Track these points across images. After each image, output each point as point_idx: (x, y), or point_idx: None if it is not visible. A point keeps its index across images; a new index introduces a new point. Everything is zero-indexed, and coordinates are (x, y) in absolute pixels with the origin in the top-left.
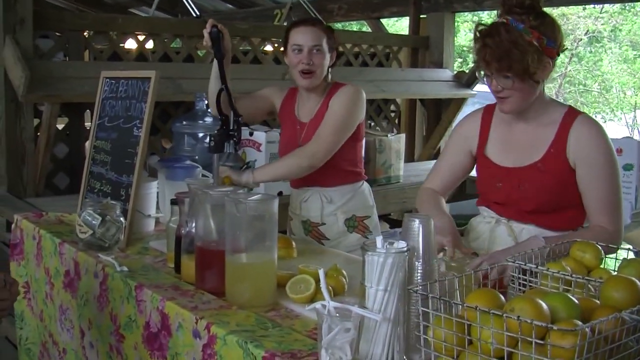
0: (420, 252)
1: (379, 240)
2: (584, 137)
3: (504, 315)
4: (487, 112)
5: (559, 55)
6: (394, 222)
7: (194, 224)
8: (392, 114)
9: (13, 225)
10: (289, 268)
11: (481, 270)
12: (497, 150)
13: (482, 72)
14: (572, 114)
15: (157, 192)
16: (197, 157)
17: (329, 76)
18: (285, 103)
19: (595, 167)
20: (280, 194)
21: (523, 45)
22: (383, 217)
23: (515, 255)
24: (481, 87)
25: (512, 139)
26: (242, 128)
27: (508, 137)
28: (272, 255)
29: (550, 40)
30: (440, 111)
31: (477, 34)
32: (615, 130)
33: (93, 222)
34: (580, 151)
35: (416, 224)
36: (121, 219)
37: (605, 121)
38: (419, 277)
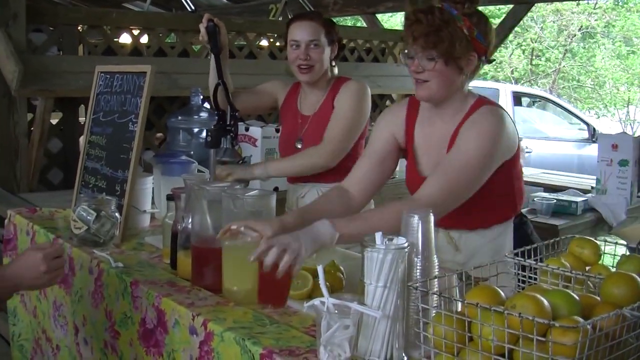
0: (420, 248)
1: (378, 236)
2: (470, 127)
3: (505, 312)
4: (412, 107)
5: (487, 58)
6: None
7: (190, 220)
8: None
9: (6, 221)
10: None
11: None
12: (420, 153)
13: (406, 52)
14: (478, 104)
15: (153, 188)
16: (192, 152)
17: (334, 69)
18: (289, 97)
19: (457, 150)
20: (276, 189)
21: (453, 28)
22: None
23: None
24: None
25: (432, 140)
26: (239, 123)
27: (429, 137)
28: None
29: (480, 35)
30: None
31: (411, 13)
32: (608, 126)
33: (88, 217)
34: (461, 135)
35: (415, 220)
36: (116, 214)
37: (599, 117)
38: (418, 274)
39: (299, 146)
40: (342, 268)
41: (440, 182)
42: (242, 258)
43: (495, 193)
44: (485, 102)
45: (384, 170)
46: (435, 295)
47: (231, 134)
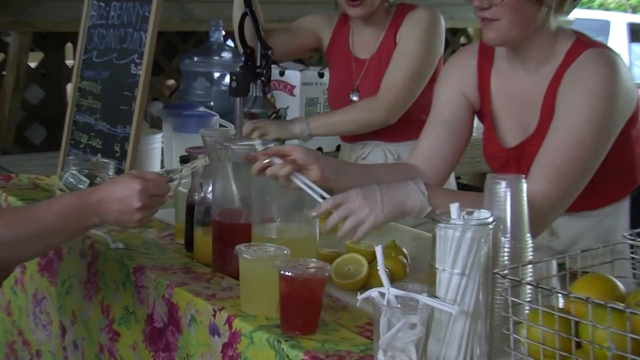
0: (509, 224)
1: (454, 208)
2: (572, 85)
3: (628, 310)
4: (485, 54)
5: None
6: (465, 188)
7: (210, 189)
8: None
9: None
10: (334, 245)
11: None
12: (499, 116)
13: None
14: (577, 48)
15: (162, 148)
16: (212, 102)
17: None
18: (336, 36)
19: (562, 124)
20: (320, 150)
21: None
22: None
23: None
24: (579, 13)
25: (515, 99)
26: (272, 66)
27: (509, 95)
28: (313, 229)
29: None
30: None
31: None
32: None
33: (79, 185)
34: (563, 96)
35: (502, 188)
36: None
37: None
38: (506, 258)
39: (355, 99)
40: (405, 251)
41: (552, 176)
42: (264, 275)
43: (609, 166)
44: (587, 45)
45: (457, 141)
46: (529, 286)
47: (262, 79)
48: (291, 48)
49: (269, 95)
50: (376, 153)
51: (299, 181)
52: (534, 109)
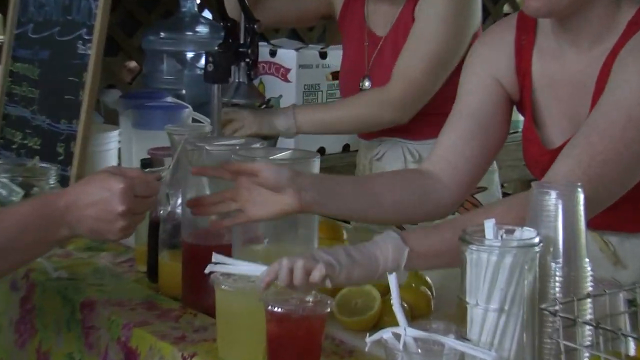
0: (561, 246)
1: (489, 226)
2: (630, 59)
3: None
4: (524, 29)
5: None
6: None
7: (179, 201)
8: None
9: None
10: None
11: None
12: (543, 106)
13: None
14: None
15: (119, 149)
16: (184, 90)
17: None
18: (349, 6)
19: (611, 99)
20: (321, 151)
21: None
22: None
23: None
24: None
25: (563, 84)
26: (260, 43)
27: (556, 80)
28: (310, 250)
29: None
30: None
31: None
32: None
33: (11, 198)
34: (616, 71)
35: (552, 199)
36: None
37: None
38: (558, 289)
39: (368, 85)
40: (428, 280)
41: (583, 155)
42: (247, 312)
43: None
44: None
45: (486, 139)
46: (588, 327)
47: (247, 61)
48: (293, 14)
49: (256, 82)
50: (393, 152)
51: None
52: (585, 97)
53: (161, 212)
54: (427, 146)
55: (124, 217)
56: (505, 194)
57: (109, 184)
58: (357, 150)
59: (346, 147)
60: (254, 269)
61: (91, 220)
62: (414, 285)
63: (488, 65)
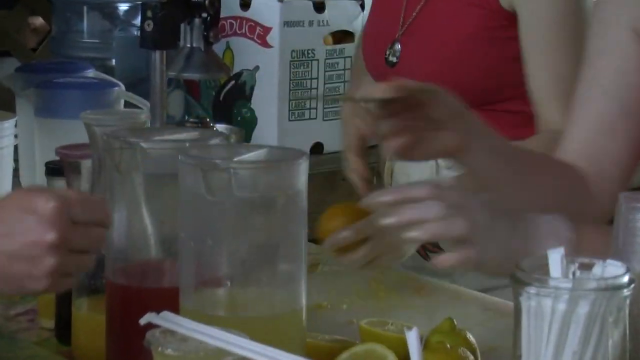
0: None
1: (555, 257)
2: None
3: None
4: None
5: None
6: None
7: None
8: None
9: None
10: (338, 327)
11: None
12: None
13: None
14: None
15: (17, 146)
16: (114, 61)
17: None
18: None
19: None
20: (316, 148)
21: None
22: None
23: None
24: None
25: None
26: None
27: None
28: (296, 298)
29: None
30: None
31: None
32: None
33: None
34: None
35: None
36: None
37: None
38: None
39: (393, 59)
40: (470, 338)
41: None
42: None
43: None
44: None
45: (635, 125)
46: None
47: (204, 16)
48: None
49: (220, 47)
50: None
51: None
52: None
53: None
54: None
55: (56, 251)
56: None
57: (32, 204)
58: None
59: (315, 147)
60: (213, 335)
61: (3, 259)
62: (448, 345)
63: (628, 18)
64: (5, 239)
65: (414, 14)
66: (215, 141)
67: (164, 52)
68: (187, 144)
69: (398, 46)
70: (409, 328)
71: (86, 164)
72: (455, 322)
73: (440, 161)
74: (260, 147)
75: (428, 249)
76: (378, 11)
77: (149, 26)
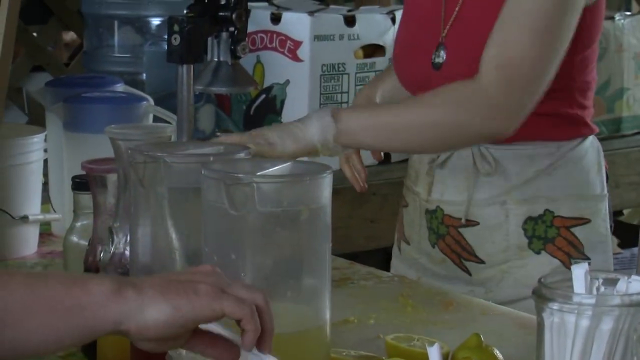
0: None
1: (578, 273)
2: None
3: None
4: None
5: None
6: (629, 230)
7: (125, 239)
8: None
9: None
10: (365, 342)
11: None
12: None
13: None
14: None
15: (46, 160)
16: (144, 75)
17: None
18: None
19: None
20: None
21: None
22: None
23: None
24: None
25: None
26: (254, 3)
27: None
28: (320, 312)
29: None
30: None
31: None
32: None
33: None
34: None
35: None
36: None
37: None
38: None
39: (442, 57)
40: (498, 354)
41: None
42: None
43: None
44: None
45: None
46: None
47: (231, 30)
48: None
49: (251, 61)
50: (461, 158)
51: None
52: None
53: (102, 254)
54: (509, 152)
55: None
56: (619, 226)
57: None
58: (393, 162)
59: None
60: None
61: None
62: (471, 358)
63: None
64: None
65: (455, 13)
66: (240, 155)
67: (191, 66)
68: (211, 158)
69: (442, 52)
70: (431, 343)
71: (112, 178)
72: (483, 338)
73: (480, 167)
74: (284, 161)
75: (463, 256)
76: (412, 21)
77: (176, 40)
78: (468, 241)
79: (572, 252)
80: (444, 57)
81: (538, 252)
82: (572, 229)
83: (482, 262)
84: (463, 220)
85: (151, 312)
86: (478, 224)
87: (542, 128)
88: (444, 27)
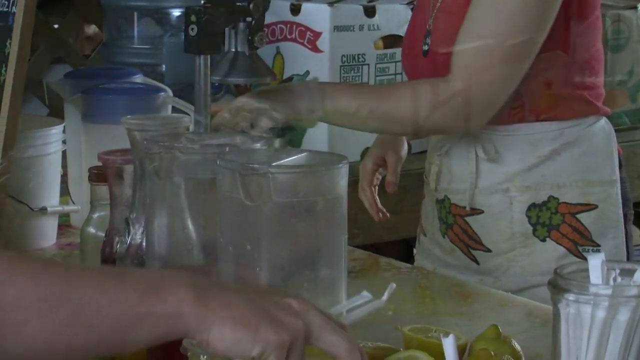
0: None
1: (595, 264)
2: None
3: None
4: None
5: None
6: None
7: (141, 230)
8: None
9: None
10: (383, 333)
11: None
12: None
13: None
14: None
15: (64, 151)
16: (164, 66)
17: None
18: None
19: None
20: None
21: None
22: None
23: None
24: None
25: None
26: None
27: None
28: (337, 304)
29: None
30: None
31: None
32: None
33: None
34: None
35: None
36: None
37: None
38: None
39: (425, 48)
40: (516, 345)
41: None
42: None
43: None
44: None
45: None
46: None
47: (248, 20)
48: None
49: (271, 52)
50: (461, 147)
51: None
52: None
53: (117, 245)
54: (509, 137)
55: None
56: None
57: None
58: (414, 153)
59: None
60: None
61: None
62: (493, 353)
63: None
64: None
65: (439, 1)
66: (256, 145)
67: (208, 56)
68: (227, 149)
69: (429, 36)
70: (447, 335)
71: (128, 169)
72: (501, 329)
73: (480, 153)
74: (300, 151)
75: (470, 245)
76: (416, 9)
77: (193, 31)
78: (474, 230)
79: (579, 240)
80: (429, 45)
81: (543, 240)
82: (578, 215)
83: (489, 250)
84: (468, 209)
85: (214, 334)
86: (483, 212)
87: (540, 108)
88: (431, 15)
